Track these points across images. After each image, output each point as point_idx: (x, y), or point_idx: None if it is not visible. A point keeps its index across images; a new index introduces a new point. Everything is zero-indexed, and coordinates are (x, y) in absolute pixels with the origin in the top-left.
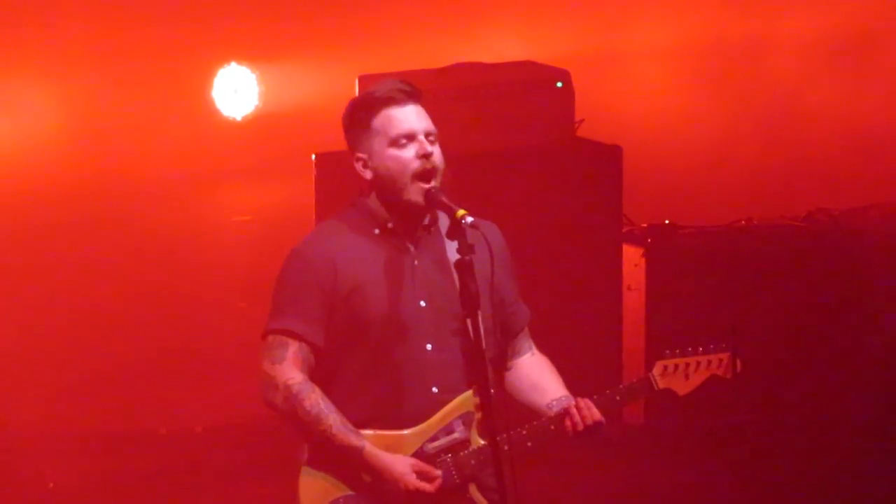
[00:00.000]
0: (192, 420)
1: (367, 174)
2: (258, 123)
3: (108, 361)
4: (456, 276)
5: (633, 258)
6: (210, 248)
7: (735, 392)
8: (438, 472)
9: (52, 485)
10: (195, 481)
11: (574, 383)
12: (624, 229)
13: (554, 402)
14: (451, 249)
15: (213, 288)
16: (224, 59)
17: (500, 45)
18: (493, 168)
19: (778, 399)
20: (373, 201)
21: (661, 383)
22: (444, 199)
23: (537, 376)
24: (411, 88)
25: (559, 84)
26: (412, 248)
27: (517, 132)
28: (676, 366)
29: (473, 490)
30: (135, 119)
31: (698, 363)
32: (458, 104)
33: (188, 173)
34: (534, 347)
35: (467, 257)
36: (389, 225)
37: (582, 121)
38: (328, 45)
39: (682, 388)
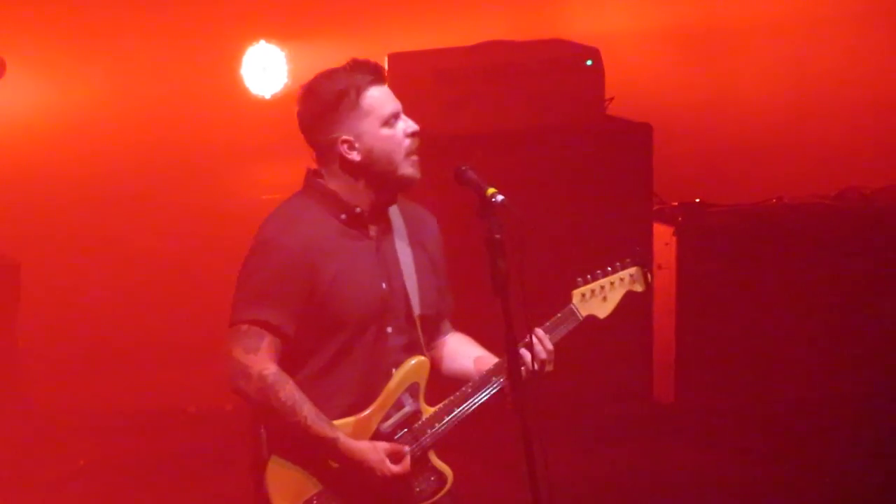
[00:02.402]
0: (222, 398)
1: (355, 156)
2: (287, 102)
3: (138, 339)
4: (411, 257)
5: (663, 237)
6: (239, 226)
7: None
8: (406, 448)
9: (82, 462)
10: (224, 459)
11: (604, 361)
12: (654, 208)
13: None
14: (400, 230)
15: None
16: (253, 37)
17: (530, 22)
18: (523, 146)
19: (809, 377)
20: (338, 184)
21: (583, 310)
22: (473, 176)
23: (465, 346)
24: (382, 66)
25: (589, 62)
26: (374, 232)
27: (547, 110)
28: (592, 291)
29: (433, 457)
30: (163, 98)
31: (612, 283)
32: (487, 82)
33: (216, 152)
34: (452, 329)
35: (497, 235)
36: (358, 210)
37: (612, 98)
38: (357, 22)
39: (601, 310)
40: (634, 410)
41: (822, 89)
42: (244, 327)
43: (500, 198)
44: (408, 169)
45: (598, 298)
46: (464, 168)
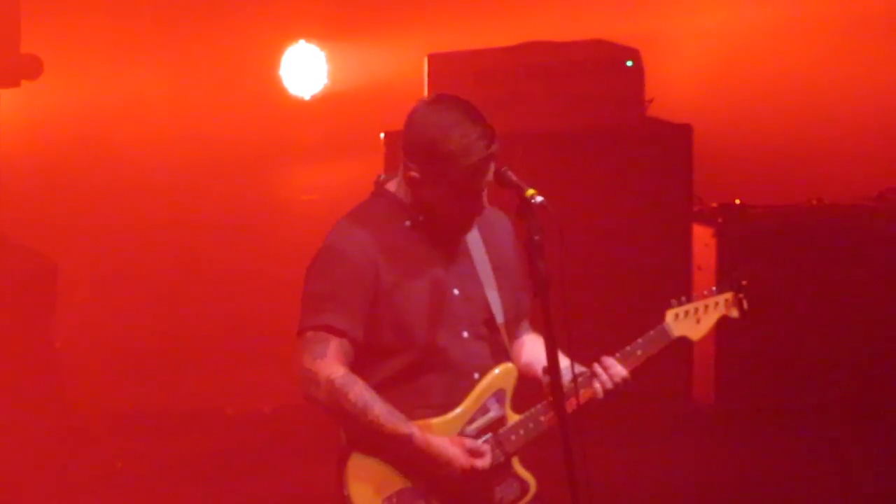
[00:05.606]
0: (260, 400)
1: (413, 187)
2: (327, 102)
3: (175, 340)
4: (488, 265)
5: (703, 238)
6: (278, 227)
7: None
8: (486, 447)
9: (120, 465)
10: (262, 461)
11: (644, 362)
12: (694, 209)
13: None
14: (474, 236)
15: (281, 267)
16: (292, 37)
17: (571, 23)
18: (563, 147)
19: (850, 379)
20: (404, 194)
21: (676, 331)
22: (513, 177)
23: (538, 349)
24: (490, 143)
25: (629, 63)
26: (445, 238)
27: (587, 111)
28: (686, 312)
29: (516, 464)
30: (203, 98)
31: (706, 306)
32: (528, 83)
33: (256, 153)
34: (531, 330)
35: (537, 237)
36: (421, 218)
37: (652, 100)
38: (397, 23)
39: (694, 333)
40: (674, 411)
41: (862, 90)
42: (309, 334)
43: (539, 199)
44: (449, 222)
45: (691, 320)
46: (504, 169)
